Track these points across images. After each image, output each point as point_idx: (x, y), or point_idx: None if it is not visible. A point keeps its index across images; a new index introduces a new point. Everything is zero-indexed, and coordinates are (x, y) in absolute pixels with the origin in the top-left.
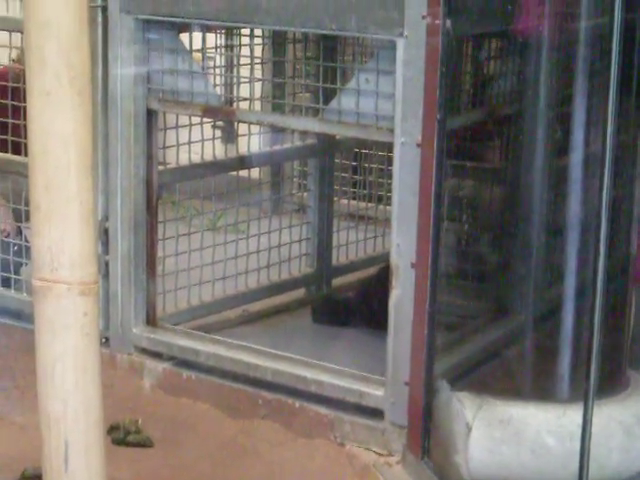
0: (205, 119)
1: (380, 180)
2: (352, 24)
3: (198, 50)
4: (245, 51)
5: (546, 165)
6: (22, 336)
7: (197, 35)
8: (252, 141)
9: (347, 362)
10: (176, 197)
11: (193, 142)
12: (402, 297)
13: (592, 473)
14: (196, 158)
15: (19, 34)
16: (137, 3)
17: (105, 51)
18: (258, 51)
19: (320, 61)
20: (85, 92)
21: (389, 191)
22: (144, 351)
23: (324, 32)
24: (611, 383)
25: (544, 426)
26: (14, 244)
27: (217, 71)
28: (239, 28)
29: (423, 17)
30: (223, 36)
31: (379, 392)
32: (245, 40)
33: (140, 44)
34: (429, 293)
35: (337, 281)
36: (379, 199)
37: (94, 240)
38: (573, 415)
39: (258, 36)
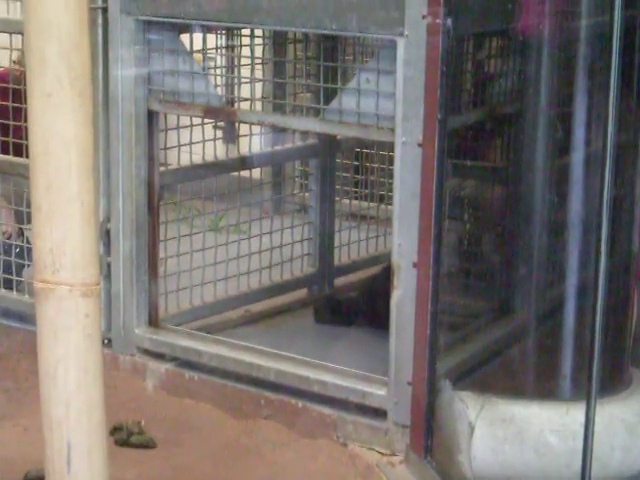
0: (206, 120)
1: (381, 180)
2: (353, 24)
3: (199, 51)
4: (246, 51)
5: (547, 164)
6: (24, 338)
7: (198, 36)
8: (253, 141)
9: (350, 362)
10: (178, 198)
11: (194, 143)
12: (404, 297)
13: (595, 472)
14: (197, 159)
15: (20, 36)
16: (137, 4)
17: (106, 52)
18: (259, 51)
19: (321, 61)
20: (86, 93)
21: (390, 191)
22: (146, 352)
23: (325, 32)
24: (613, 381)
25: (547, 425)
26: (16, 246)
27: (218, 72)
28: (239, 28)
29: (424, 16)
30: (224, 37)
31: (382, 392)
32: (246, 40)
33: (141, 45)
34: (431, 293)
35: (339, 281)
36: (380, 199)
37: (96, 241)
38: (575, 414)
39: (259, 36)
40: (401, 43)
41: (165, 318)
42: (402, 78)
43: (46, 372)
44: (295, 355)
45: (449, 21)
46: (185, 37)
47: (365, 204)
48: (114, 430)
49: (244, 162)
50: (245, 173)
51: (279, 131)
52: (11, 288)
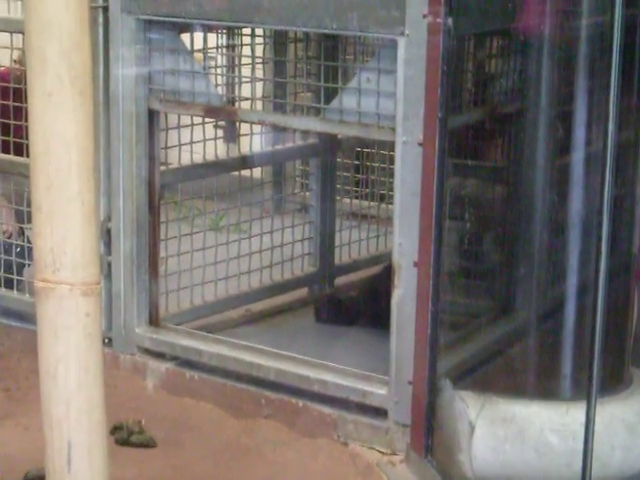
0: (207, 119)
1: (382, 179)
2: (353, 23)
3: (199, 50)
4: (246, 51)
5: (548, 163)
6: (25, 337)
7: (198, 35)
8: (254, 141)
9: (350, 361)
10: (178, 197)
11: (195, 142)
12: (405, 296)
13: (595, 471)
14: (198, 158)
15: (20, 35)
16: (138, 3)
17: (106, 51)
18: (259, 51)
19: (321, 60)
20: (86, 92)
21: (391, 190)
22: (147, 351)
23: (325, 31)
24: (614, 381)
25: (547, 424)
26: (16, 245)
27: (218, 71)
28: (240, 28)
29: (424, 16)
30: (224, 36)
31: (382, 391)
32: (246, 40)
33: (141, 44)
34: (431, 292)
35: (340, 280)
36: (381, 198)
37: (96, 241)
38: (576, 413)
39: (259, 36)
40: (402, 42)
41: (166, 317)
42: (403, 77)
43: (46, 371)
44: (295, 354)
45: (450, 20)
46: (186, 36)
47: (366, 203)
48: (114, 429)
49: (245, 161)
50: (246, 172)
51: (280, 130)
52: (12, 287)
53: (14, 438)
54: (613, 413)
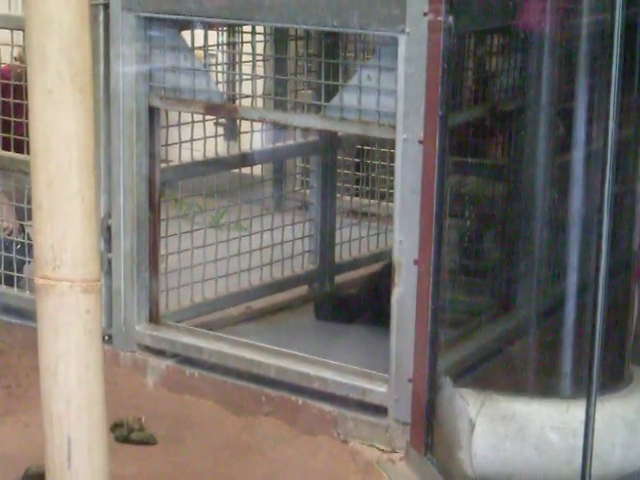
0: (207, 116)
1: (382, 177)
2: (354, 21)
3: (200, 47)
4: (247, 48)
5: (548, 161)
6: (25, 334)
7: (199, 32)
8: (254, 138)
9: (350, 359)
10: (179, 194)
11: (195, 139)
12: (405, 294)
13: (595, 469)
14: (198, 155)
15: (21, 32)
16: (139, 1)
17: (107, 49)
18: (260, 48)
19: (322, 58)
20: (87, 89)
21: (391, 188)
22: (147, 348)
23: (326, 29)
24: (614, 379)
25: (547, 422)
26: (17, 242)
27: (219, 68)
28: (241, 25)
29: (425, 14)
30: (225, 33)
31: (382, 389)
32: (247, 37)
33: (142, 42)
34: (432, 290)
35: (340, 278)
36: (381, 196)
37: (96, 238)
38: (576, 411)
39: (260, 33)
40: (402, 40)
41: (166, 315)
42: (403, 75)
43: (47, 368)
44: (296, 352)
45: (450, 18)
46: (186, 34)
47: (366, 201)
48: (114, 426)
49: (245, 159)
50: (246, 170)
51: (280, 128)
52: (12, 284)
53: (14, 435)
54: (613, 411)
